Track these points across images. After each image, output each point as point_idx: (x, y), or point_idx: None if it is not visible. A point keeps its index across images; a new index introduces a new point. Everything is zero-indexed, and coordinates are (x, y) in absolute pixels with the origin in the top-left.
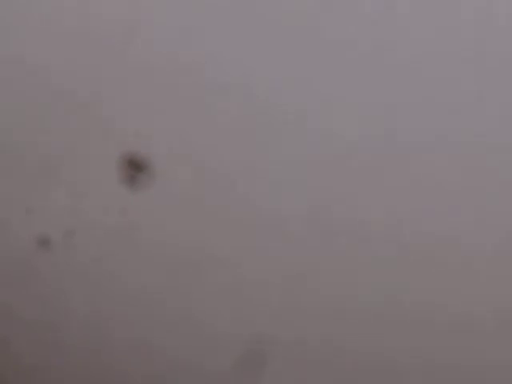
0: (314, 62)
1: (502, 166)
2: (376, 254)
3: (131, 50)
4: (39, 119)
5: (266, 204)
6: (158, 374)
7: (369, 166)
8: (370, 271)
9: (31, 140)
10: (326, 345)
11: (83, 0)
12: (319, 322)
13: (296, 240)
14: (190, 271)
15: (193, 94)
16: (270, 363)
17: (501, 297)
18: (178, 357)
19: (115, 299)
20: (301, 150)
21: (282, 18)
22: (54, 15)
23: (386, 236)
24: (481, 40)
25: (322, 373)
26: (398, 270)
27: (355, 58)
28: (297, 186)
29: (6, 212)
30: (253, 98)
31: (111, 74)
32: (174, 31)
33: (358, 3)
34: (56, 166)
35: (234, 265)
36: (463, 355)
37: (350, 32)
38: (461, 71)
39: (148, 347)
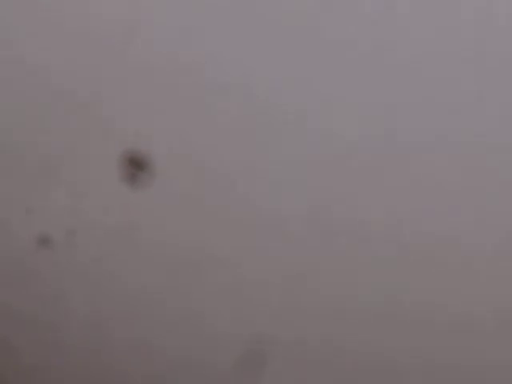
0: (314, 62)
1: (501, 166)
2: (376, 253)
3: (131, 49)
4: (39, 119)
5: (266, 204)
6: (158, 374)
7: (369, 166)
8: (370, 271)
9: (31, 140)
10: (325, 345)
11: (83, 0)
12: (319, 321)
13: (296, 240)
14: (190, 271)
15: (193, 94)
16: (269, 363)
17: (501, 297)
18: (178, 357)
19: (115, 299)
20: (301, 149)
21: (282, 18)
22: (53, 15)
23: (386, 236)
24: (481, 40)
25: (322, 373)
26: (398, 270)
27: (355, 58)
28: (297, 186)
29: (5, 212)
30: (253, 98)
31: (111, 74)
32: (174, 31)
33: (358, 3)
34: (56, 165)
35: (233, 265)
36: (463, 355)
37: (350, 32)
38: (461, 71)
39: (148, 347)
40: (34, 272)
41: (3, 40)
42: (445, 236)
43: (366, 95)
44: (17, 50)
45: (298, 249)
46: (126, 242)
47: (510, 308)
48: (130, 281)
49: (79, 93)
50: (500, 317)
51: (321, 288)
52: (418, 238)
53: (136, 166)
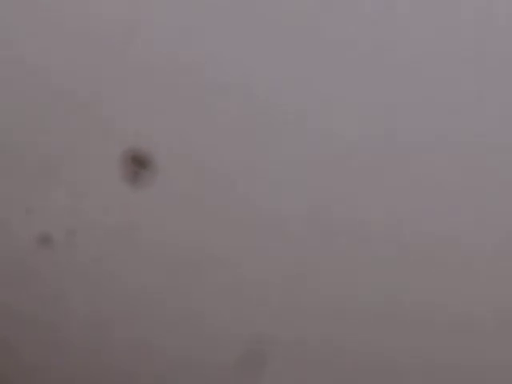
0: (314, 62)
1: (502, 166)
2: (376, 253)
3: (131, 49)
4: (39, 119)
5: (266, 204)
6: (158, 374)
7: (369, 166)
8: (370, 271)
9: (31, 140)
10: (325, 345)
11: (83, 0)
12: (319, 322)
13: (296, 240)
14: (190, 271)
15: (193, 94)
16: (269, 363)
17: (501, 297)
18: (178, 357)
19: (115, 299)
20: (301, 149)
21: (282, 18)
22: (53, 15)
23: (386, 236)
24: (481, 40)
25: (322, 373)
26: (398, 270)
27: (355, 58)
28: (297, 186)
29: (5, 212)
30: (253, 98)
31: (111, 74)
32: (174, 31)
33: (358, 3)
34: (56, 165)
35: (234, 265)
36: (463, 355)
37: (350, 32)
38: (461, 71)
39: (148, 347)
40: (34, 272)
41: (3, 40)
42: (445, 236)
43: (366, 95)
44: (17, 50)
45: (298, 249)
46: (125, 242)
47: (510, 308)
48: (130, 281)
49: (79, 93)
50: (500, 317)
51: (321, 288)
52: (418, 238)
53: (138, 165)
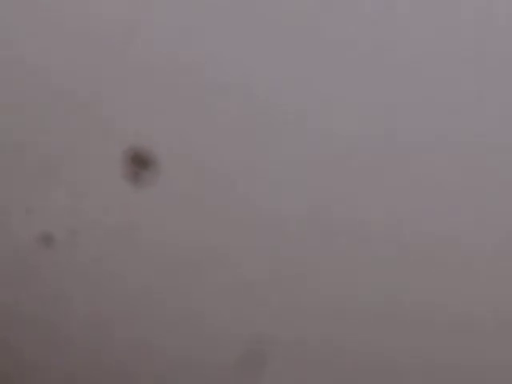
0: (314, 62)
1: (502, 166)
2: (376, 253)
3: (131, 49)
4: (39, 119)
5: (266, 204)
6: (158, 374)
7: (369, 166)
8: (370, 271)
9: (31, 140)
10: (325, 345)
11: (83, 0)
12: (319, 322)
13: (296, 240)
14: (190, 271)
15: (193, 94)
16: (269, 363)
17: (501, 297)
18: (178, 356)
19: (115, 299)
20: (301, 149)
21: (282, 18)
22: (53, 15)
23: (386, 236)
24: (481, 40)
25: (322, 373)
26: (398, 270)
27: (355, 58)
28: (297, 186)
29: (5, 212)
30: (253, 98)
31: (111, 74)
32: (174, 31)
33: (358, 3)
34: (56, 165)
35: (233, 265)
36: (463, 355)
37: (350, 32)
38: (461, 71)
39: (148, 347)
40: (34, 272)
41: (3, 40)
42: (445, 236)
43: (366, 95)
44: (17, 50)
45: (298, 249)
46: (126, 242)
47: (509, 308)
48: (131, 281)
49: (79, 93)
50: (500, 317)
51: (321, 288)
52: (418, 238)
53: (138, 164)
